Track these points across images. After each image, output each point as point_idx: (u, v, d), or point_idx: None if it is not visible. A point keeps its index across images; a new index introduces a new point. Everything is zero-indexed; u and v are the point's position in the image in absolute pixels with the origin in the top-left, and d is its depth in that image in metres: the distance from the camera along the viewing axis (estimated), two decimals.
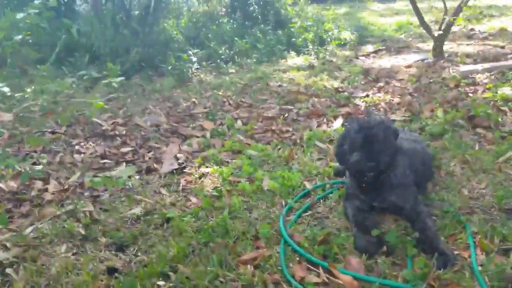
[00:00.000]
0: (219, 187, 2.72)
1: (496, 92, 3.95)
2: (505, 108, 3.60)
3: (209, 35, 6.83)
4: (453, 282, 1.72)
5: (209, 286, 1.83)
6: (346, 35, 7.34)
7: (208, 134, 3.64)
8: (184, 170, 3.00)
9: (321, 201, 2.50)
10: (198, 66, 5.91)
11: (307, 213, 2.39)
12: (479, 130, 3.28)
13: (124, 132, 3.73)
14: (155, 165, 3.08)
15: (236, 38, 6.60)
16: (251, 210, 2.45)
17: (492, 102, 3.77)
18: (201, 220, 2.34)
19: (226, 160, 3.14)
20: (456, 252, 1.91)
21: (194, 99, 4.61)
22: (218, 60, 6.15)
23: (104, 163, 3.18)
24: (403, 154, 2.24)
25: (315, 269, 1.89)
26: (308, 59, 6.19)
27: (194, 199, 2.61)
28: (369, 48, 6.77)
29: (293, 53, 6.58)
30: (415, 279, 1.71)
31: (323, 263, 1.89)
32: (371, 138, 2.06)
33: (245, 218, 2.34)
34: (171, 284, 1.86)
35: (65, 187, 2.79)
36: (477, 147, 2.99)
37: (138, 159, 3.23)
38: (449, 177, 2.60)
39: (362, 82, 4.93)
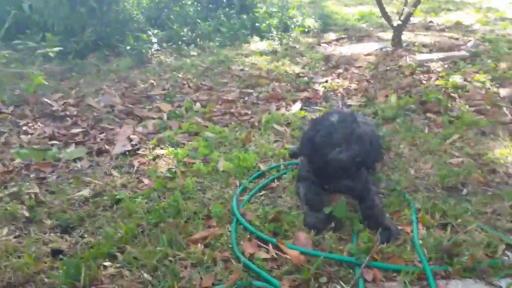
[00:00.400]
0: (173, 168, 2.69)
1: (448, 80, 4.10)
2: (455, 95, 3.76)
3: (171, 17, 6.65)
4: (395, 255, 1.80)
5: (157, 266, 1.81)
6: (310, 22, 7.38)
7: (165, 116, 3.57)
8: (137, 152, 2.93)
9: (275, 181, 2.52)
10: (159, 48, 5.76)
11: (260, 193, 2.40)
12: (429, 114, 3.40)
13: (75, 112, 3.58)
14: (107, 147, 2.99)
15: (199, 21, 6.47)
16: (204, 190, 2.44)
17: (443, 89, 3.91)
18: (153, 201, 2.30)
19: (182, 142, 3.10)
20: (399, 227, 1.99)
21: (152, 81, 4.49)
22: (180, 42, 6.01)
23: (53, 144, 3.05)
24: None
25: (265, 246, 1.91)
26: (272, 45, 6.17)
27: (146, 181, 2.56)
28: (332, 36, 6.83)
29: (256, 38, 6.54)
30: (359, 252, 1.76)
31: (272, 239, 1.91)
32: (350, 132, 2.06)
33: (198, 199, 2.33)
34: (118, 265, 1.82)
35: (9, 169, 2.65)
36: (426, 130, 3.11)
37: (89, 140, 3.12)
38: (397, 158, 2.69)
39: (323, 68, 4.98)
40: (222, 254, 1.88)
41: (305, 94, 4.07)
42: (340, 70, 4.85)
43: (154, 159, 2.84)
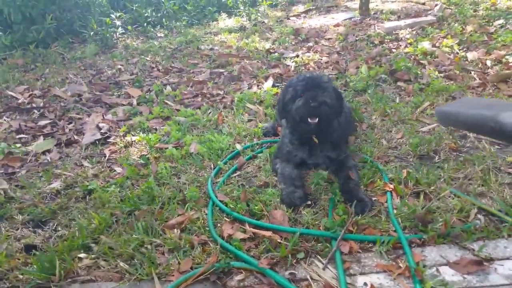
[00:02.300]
0: (145, 155, 2.63)
1: (417, 47, 4.13)
2: (424, 62, 3.79)
3: None
4: (370, 226, 1.82)
5: (134, 254, 1.78)
6: None
7: (134, 102, 3.48)
8: (108, 140, 2.86)
9: (250, 161, 2.51)
10: (123, 31, 5.57)
11: (236, 174, 2.38)
12: (400, 83, 3.43)
13: (41, 104, 3.46)
14: (76, 137, 2.90)
15: (162, 0, 6.27)
16: (179, 175, 2.40)
17: (413, 57, 3.94)
18: (126, 190, 2.26)
19: (154, 127, 3.03)
20: (374, 198, 2.01)
21: (119, 66, 4.36)
22: (145, 24, 5.83)
23: (20, 138, 2.94)
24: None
25: (242, 226, 1.91)
26: (240, 21, 6.06)
27: (119, 169, 2.50)
28: (300, 8, 6.76)
29: (224, 15, 6.41)
30: (335, 226, 1.78)
31: (250, 219, 1.91)
32: (314, 82, 2.09)
33: (173, 184, 2.29)
34: (93, 256, 1.79)
35: None
36: (397, 100, 3.13)
37: (57, 131, 3.03)
38: (370, 130, 2.71)
39: (293, 43, 4.93)
40: (200, 238, 1.87)
41: (277, 70, 4.03)
42: (310, 44, 4.82)
43: (125, 146, 2.78)
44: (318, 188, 2.13)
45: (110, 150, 2.73)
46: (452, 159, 2.29)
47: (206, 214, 2.02)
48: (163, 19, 6.01)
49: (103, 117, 3.18)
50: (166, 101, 3.43)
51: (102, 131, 2.93)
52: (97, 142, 2.82)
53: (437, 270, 1.57)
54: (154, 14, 6.03)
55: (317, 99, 2.02)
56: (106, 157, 2.66)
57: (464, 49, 3.97)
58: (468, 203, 1.89)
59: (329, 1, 7.10)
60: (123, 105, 3.43)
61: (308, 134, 2.20)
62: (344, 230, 1.74)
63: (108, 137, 2.89)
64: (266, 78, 3.83)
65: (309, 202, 2.03)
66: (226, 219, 1.98)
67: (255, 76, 3.93)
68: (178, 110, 3.28)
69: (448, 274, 1.55)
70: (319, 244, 1.75)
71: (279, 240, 1.76)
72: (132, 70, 4.25)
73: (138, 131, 2.94)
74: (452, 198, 1.95)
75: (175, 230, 1.92)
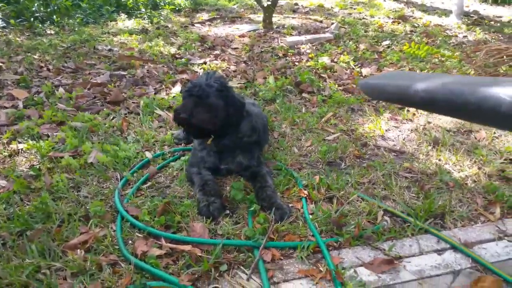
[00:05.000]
0: (36, 165, 2.30)
1: (317, 61, 4.38)
2: (325, 75, 4.03)
3: None
4: (289, 232, 1.82)
5: (29, 282, 1.51)
6: (181, 0, 7.13)
7: (20, 104, 3.03)
8: None
9: (162, 170, 2.35)
10: (5, 24, 4.89)
11: (146, 185, 2.21)
12: (304, 94, 3.58)
13: None
14: None
15: None
16: (79, 188, 2.14)
17: (314, 70, 4.17)
18: (15, 206, 1.93)
19: (46, 133, 2.67)
20: (290, 205, 2.03)
21: (0, 63, 3.78)
22: (32, 19, 5.20)
23: None
24: (249, 116, 2.26)
25: (158, 242, 1.76)
26: (141, 23, 5.78)
27: (3, 182, 2.13)
28: (205, 16, 6.72)
29: (123, 16, 6.05)
30: (256, 234, 1.74)
31: (166, 234, 1.77)
32: (196, 89, 2.00)
33: (72, 198, 2.03)
34: None
35: None
36: (303, 110, 3.26)
37: None
38: (281, 138, 2.76)
39: (199, 49, 4.85)
40: (108, 258, 1.67)
41: (184, 76, 3.91)
42: (217, 52, 4.79)
43: (10, 155, 2.39)
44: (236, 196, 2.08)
45: None
46: (357, 165, 2.44)
47: (115, 231, 1.82)
48: (54, 15, 5.42)
49: None
50: (59, 104, 3.06)
51: None
52: None
53: (355, 271, 1.64)
54: (42, 9, 5.41)
55: (187, 110, 1.97)
56: None
57: (359, 65, 4.33)
58: (375, 206, 2.02)
59: (233, 12, 7.20)
60: (6, 107, 2.97)
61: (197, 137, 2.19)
62: (266, 238, 1.71)
63: None
64: (174, 84, 3.68)
65: (227, 212, 1.97)
66: (139, 234, 1.80)
67: (161, 81, 3.75)
68: (74, 114, 2.95)
69: (364, 274, 1.63)
70: (241, 255, 1.69)
71: (199, 254, 1.66)
72: (16, 69, 3.72)
73: (26, 138, 2.56)
74: (360, 202, 2.07)
75: (78, 250, 1.68)
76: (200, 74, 3.96)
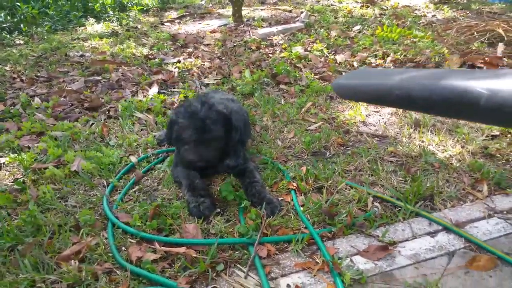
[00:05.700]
0: (20, 178, 2.25)
1: (291, 52, 4.41)
2: (300, 65, 4.06)
3: None
4: (282, 226, 1.84)
5: None
6: (148, 0, 7.02)
7: None
8: None
9: (148, 173, 2.34)
10: None
11: (134, 189, 2.19)
12: (282, 86, 3.60)
13: None
14: None
15: (18, 4, 5.49)
16: (66, 198, 2.11)
17: (289, 61, 4.19)
18: (3, 221, 1.89)
19: (26, 145, 2.62)
20: (280, 198, 2.06)
21: None
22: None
23: None
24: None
25: (152, 246, 1.76)
26: (111, 26, 5.67)
27: None
28: (173, 14, 6.64)
29: (92, 20, 5.91)
30: (249, 231, 1.76)
31: (160, 237, 1.77)
32: (199, 131, 2.00)
33: (61, 208, 2.00)
34: None
35: None
36: (282, 101, 3.28)
37: None
38: (263, 131, 2.78)
39: (172, 48, 4.80)
40: (103, 266, 1.66)
41: (160, 76, 3.87)
42: (190, 49, 4.75)
43: None
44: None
45: None
46: (342, 153, 2.49)
47: (107, 239, 1.81)
48: (21, 25, 5.25)
49: None
50: (37, 114, 2.99)
51: None
52: None
53: (351, 260, 1.67)
54: (9, 18, 5.22)
55: (202, 157, 2.03)
56: None
57: (333, 52, 4.38)
58: (364, 193, 2.05)
59: (202, 8, 7.14)
60: None
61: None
62: (260, 234, 1.73)
63: None
64: (150, 85, 3.64)
65: (218, 210, 1.98)
66: (132, 240, 1.80)
67: (137, 83, 3.71)
68: (53, 124, 2.89)
69: (361, 262, 1.65)
70: (237, 252, 1.71)
71: (194, 255, 1.67)
72: None
73: (6, 152, 2.50)
74: (349, 190, 2.10)
75: (72, 261, 1.66)
76: (175, 73, 3.94)
